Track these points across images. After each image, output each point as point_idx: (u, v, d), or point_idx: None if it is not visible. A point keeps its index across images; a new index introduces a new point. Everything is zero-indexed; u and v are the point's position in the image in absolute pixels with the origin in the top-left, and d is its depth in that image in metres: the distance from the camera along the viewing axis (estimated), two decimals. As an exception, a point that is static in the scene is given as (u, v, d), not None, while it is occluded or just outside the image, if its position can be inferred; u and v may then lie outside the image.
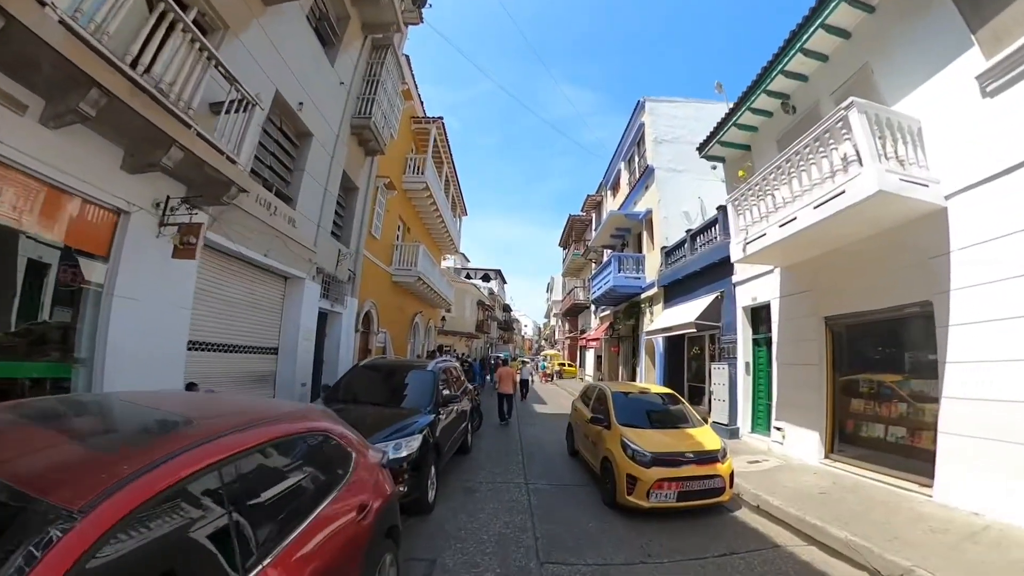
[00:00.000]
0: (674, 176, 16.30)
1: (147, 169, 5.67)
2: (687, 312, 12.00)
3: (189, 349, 7.10)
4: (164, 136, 5.19)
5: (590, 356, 27.68)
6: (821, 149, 6.74)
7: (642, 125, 18.15)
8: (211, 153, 6.05)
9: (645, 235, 17.04)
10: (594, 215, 28.20)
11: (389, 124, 13.24)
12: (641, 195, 17.73)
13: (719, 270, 11.56)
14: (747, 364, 10.43)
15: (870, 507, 5.82)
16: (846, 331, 8.03)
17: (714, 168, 12.34)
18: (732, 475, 6.31)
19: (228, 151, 6.50)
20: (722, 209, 11.97)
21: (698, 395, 13.52)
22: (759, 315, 10.32)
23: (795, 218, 7.10)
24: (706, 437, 6.73)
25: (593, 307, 25.90)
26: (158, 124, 5.00)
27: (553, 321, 57.53)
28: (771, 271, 9.57)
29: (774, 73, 8.98)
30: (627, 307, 17.34)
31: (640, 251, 17.31)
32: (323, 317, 11.59)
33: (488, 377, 24.00)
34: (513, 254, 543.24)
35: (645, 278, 16.22)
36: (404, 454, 4.95)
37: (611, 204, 21.52)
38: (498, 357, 30.60)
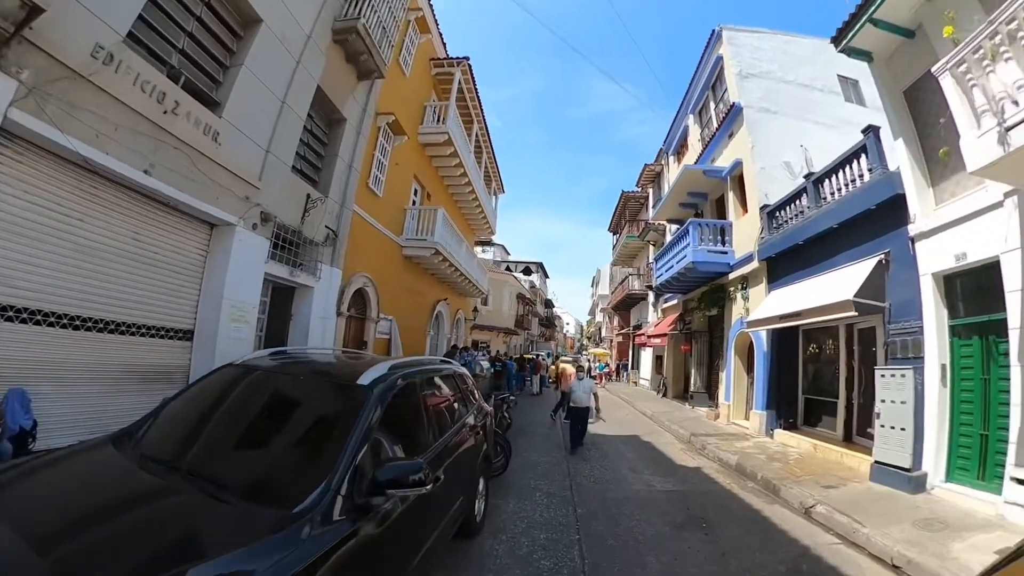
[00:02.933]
0: (768, 118, 12.22)
1: None
2: (824, 290, 7.91)
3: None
4: None
5: (647, 356, 23.46)
6: None
7: (719, 59, 14.04)
8: None
9: (731, 197, 12.89)
10: (652, 190, 23.97)
11: (390, 38, 9.82)
12: (723, 146, 13.57)
13: (876, 221, 7.48)
14: (942, 368, 6.31)
15: None
16: None
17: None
18: None
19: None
20: (872, 132, 7.92)
21: (819, 413, 9.42)
22: (962, 286, 6.24)
23: None
24: None
25: (652, 297, 21.73)
26: None
27: (599, 317, 53.14)
28: (999, 203, 5.53)
29: None
30: (706, 293, 13.24)
31: (724, 219, 13.14)
32: (287, 292, 8.29)
33: (528, 380, 20.30)
34: (555, 252, 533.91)
35: (733, 252, 12.10)
36: None
37: (676, 172, 17.36)
38: (538, 355, 26.77)
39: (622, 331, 31.43)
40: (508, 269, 42.89)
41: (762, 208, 10.86)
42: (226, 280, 6.37)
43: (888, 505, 5.61)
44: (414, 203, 13.76)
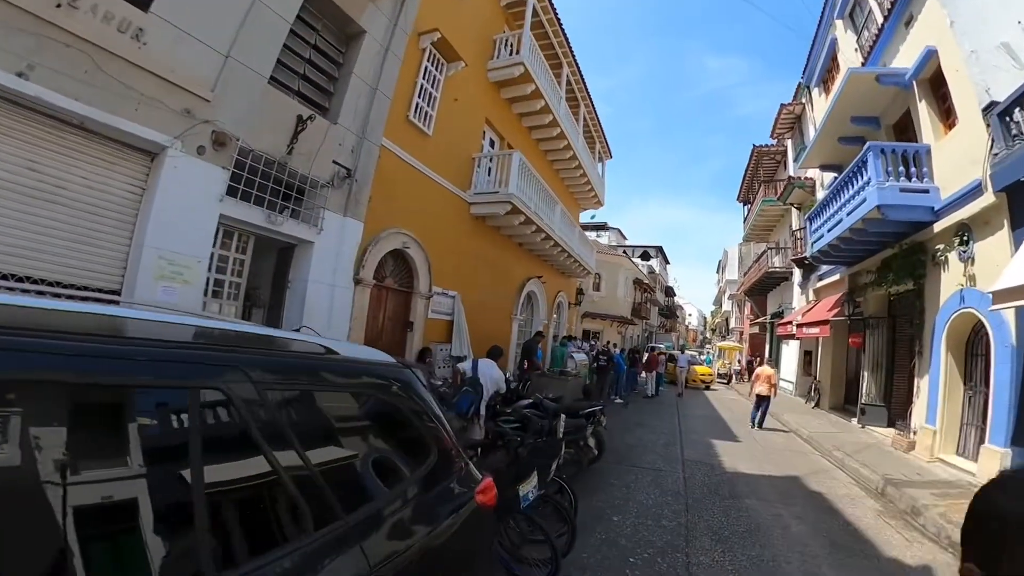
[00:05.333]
0: (961, -14, 7.95)
1: None
2: None
3: None
4: None
5: (790, 352, 18.67)
6: None
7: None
8: None
9: (922, 109, 8.56)
10: (791, 141, 19.02)
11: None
12: (897, 42, 9.39)
13: None
14: None
15: None
16: None
17: None
18: None
19: None
20: None
21: None
22: None
23: None
24: None
25: (799, 276, 17.08)
26: None
27: (727, 305, 46.75)
28: None
29: None
30: (891, 259, 9.03)
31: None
32: (286, 252, 6.48)
33: (642, 376, 16.86)
34: (675, 241, 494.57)
35: (938, 190, 7.89)
36: None
37: (825, 105, 12.72)
38: (655, 348, 23.12)
39: (756, 320, 26.28)
40: (624, 254, 39.08)
41: (987, 109, 6.71)
42: (150, 221, 4.57)
43: None
44: (487, 150, 11.40)
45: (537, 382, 10.35)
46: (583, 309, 25.54)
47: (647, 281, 39.83)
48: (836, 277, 12.58)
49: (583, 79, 15.45)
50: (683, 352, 25.71)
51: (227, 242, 5.63)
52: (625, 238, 48.97)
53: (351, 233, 6.84)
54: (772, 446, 9.00)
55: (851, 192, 8.88)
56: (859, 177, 8.55)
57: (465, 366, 5.55)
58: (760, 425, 10.81)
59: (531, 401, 6.56)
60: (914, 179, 8.03)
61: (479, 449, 4.69)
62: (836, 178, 10.47)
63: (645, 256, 48.07)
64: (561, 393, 8.55)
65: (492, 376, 5.63)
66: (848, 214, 8.90)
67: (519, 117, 12.81)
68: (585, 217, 25.43)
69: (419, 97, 8.44)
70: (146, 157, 4.83)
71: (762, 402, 10.90)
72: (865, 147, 8.24)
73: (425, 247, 8.73)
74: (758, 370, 11.82)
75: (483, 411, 5.38)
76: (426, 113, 8.71)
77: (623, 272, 32.37)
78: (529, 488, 3.21)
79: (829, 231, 9.98)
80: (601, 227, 43.35)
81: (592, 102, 16.93)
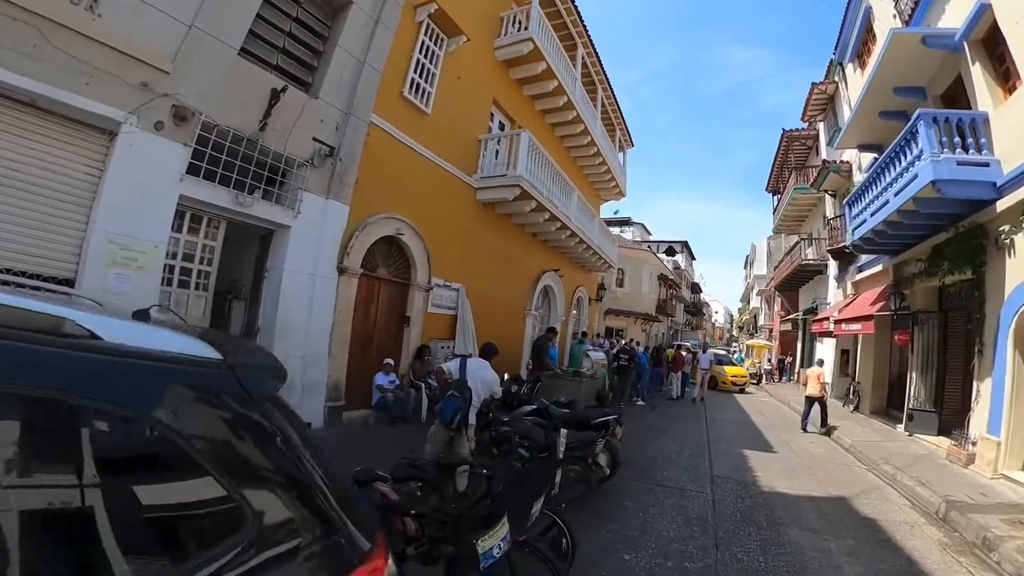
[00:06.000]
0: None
1: None
2: None
3: None
4: None
5: (824, 351, 17.40)
6: None
7: None
8: None
9: (976, 73, 7.54)
10: (823, 125, 17.79)
11: None
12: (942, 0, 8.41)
13: None
14: None
15: None
16: None
17: None
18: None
19: None
20: None
21: None
22: None
23: None
24: None
25: (835, 268, 15.93)
26: None
27: (755, 302, 45.04)
28: None
29: None
30: (944, 244, 8.04)
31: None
32: (266, 237, 5.99)
33: (666, 377, 15.92)
34: (701, 238, 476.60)
35: (1000, 163, 6.90)
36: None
37: (862, 80, 11.50)
38: (679, 346, 22.02)
39: (788, 317, 24.94)
40: (648, 249, 37.90)
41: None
42: (101, 203, 4.13)
43: None
44: (495, 132, 10.76)
45: (548, 384, 9.54)
46: (605, 305, 24.69)
47: (672, 277, 38.64)
48: (878, 268, 11.47)
49: (600, 61, 14.63)
50: (704, 350, 24.11)
51: (195, 227, 5.15)
52: (649, 233, 47.79)
53: (334, 217, 6.30)
54: (812, 457, 8.06)
55: (899, 169, 7.89)
56: (908, 151, 7.57)
57: (451, 366, 4.74)
58: (806, 428, 10.51)
59: (534, 407, 5.85)
60: (971, 151, 7.05)
61: (468, 466, 4.02)
62: (877, 158, 9.46)
63: (670, 251, 46.74)
64: (574, 396, 7.77)
65: (483, 378, 4.75)
66: (896, 194, 7.90)
67: (531, 100, 12.12)
68: (607, 211, 24.55)
69: (415, 73, 7.87)
70: (104, 136, 4.41)
71: (811, 404, 10.51)
72: (915, 115, 7.25)
73: (423, 234, 8.15)
74: (808, 371, 11.11)
75: (473, 420, 4.68)
76: (424, 90, 8.13)
77: (647, 267, 31.39)
78: (494, 542, 2.37)
79: (872, 215, 8.97)
80: (624, 222, 42.33)
81: (611, 87, 16.07)
